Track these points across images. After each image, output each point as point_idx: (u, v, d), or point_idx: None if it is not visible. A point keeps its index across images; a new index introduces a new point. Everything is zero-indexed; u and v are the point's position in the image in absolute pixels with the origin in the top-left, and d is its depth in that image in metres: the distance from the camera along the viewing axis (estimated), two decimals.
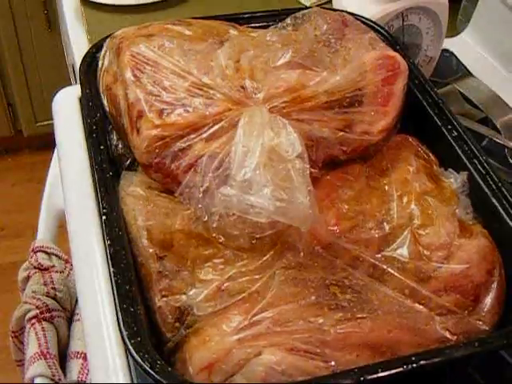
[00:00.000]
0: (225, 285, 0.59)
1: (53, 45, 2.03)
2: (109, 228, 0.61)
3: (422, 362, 0.55)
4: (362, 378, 0.53)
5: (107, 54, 0.73)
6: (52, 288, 0.87)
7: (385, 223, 0.65)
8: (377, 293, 0.61)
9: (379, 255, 0.63)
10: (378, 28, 0.83)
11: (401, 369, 0.54)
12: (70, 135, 0.75)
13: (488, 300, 0.62)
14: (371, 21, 0.83)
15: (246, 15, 0.84)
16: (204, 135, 0.63)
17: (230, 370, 0.55)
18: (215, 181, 0.60)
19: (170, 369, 0.53)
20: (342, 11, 0.81)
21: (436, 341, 0.59)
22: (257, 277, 0.60)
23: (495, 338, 0.59)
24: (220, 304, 0.58)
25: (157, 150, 0.63)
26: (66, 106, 0.79)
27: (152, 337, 0.57)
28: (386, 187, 0.68)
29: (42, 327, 0.83)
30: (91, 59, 0.77)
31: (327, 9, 0.80)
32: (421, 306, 0.61)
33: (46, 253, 0.91)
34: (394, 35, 0.85)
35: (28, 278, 0.89)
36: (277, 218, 0.58)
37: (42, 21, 2.07)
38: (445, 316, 0.61)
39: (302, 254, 0.61)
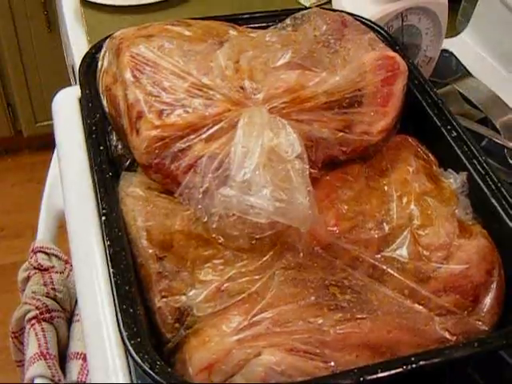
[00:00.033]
0: (224, 285, 0.59)
1: (53, 45, 2.03)
2: (108, 228, 0.61)
3: (421, 363, 0.55)
4: (361, 379, 0.53)
5: (107, 54, 0.73)
6: (52, 288, 0.87)
7: (384, 224, 0.65)
8: (376, 293, 0.61)
9: (379, 256, 0.63)
10: (378, 28, 0.83)
11: (400, 369, 0.54)
12: (70, 136, 0.75)
13: (487, 300, 0.62)
14: (371, 21, 0.83)
15: (246, 16, 0.84)
16: (204, 136, 0.63)
17: (230, 370, 0.55)
18: (215, 181, 0.60)
19: (169, 369, 0.53)
20: (342, 12, 0.81)
21: (435, 341, 0.59)
22: (256, 277, 0.60)
23: (495, 339, 0.59)
24: (220, 304, 0.58)
25: (156, 151, 0.63)
26: (66, 107, 0.79)
27: (152, 337, 0.57)
28: (386, 187, 0.68)
29: (42, 328, 0.83)
30: (91, 60, 0.77)
31: (327, 9, 0.81)
32: (420, 307, 0.61)
33: (46, 253, 0.92)
34: (394, 35, 0.85)
35: (28, 278, 0.89)
36: (276, 218, 0.58)
37: (42, 21, 2.07)
38: (444, 316, 0.61)
39: (301, 254, 0.61)
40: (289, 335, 0.56)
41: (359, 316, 0.59)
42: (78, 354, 0.83)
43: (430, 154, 0.73)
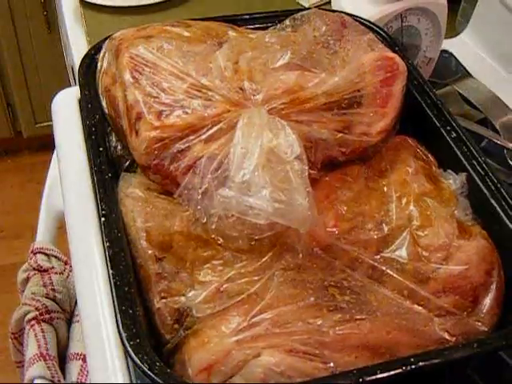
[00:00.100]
0: (224, 286, 0.59)
1: (52, 46, 2.03)
2: (108, 229, 0.61)
3: (420, 364, 0.55)
4: (360, 380, 0.53)
5: (106, 55, 0.73)
6: (51, 289, 0.87)
7: (384, 224, 0.65)
8: (376, 294, 0.61)
9: (378, 256, 0.63)
10: (377, 29, 0.83)
11: (400, 370, 0.54)
12: (70, 136, 0.75)
13: (487, 301, 0.62)
14: (370, 22, 0.83)
15: (245, 16, 0.84)
16: (203, 137, 0.63)
17: (229, 371, 0.55)
18: (214, 182, 0.60)
19: (168, 370, 0.53)
20: (341, 12, 0.81)
21: (435, 342, 0.59)
22: (256, 278, 0.60)
23: (494, 339, 0.59)
24: (219, 305, 0.58)
25: (156, 152, 0.63)
26: (66, 108, 0.79)
27: (151, 338, 0.57)
28: (385, 188, 0.68)
29: (42, 329, 0.83)
30: (90, 61, 0.77)
31: (326, 10, 0.80)
32: (420, 307, 0.61)
33: (46, 254, 0.92)
34: (393, 36, 0.85)
35: (27, 279, 0.89)
36: (275, 219, 0.58)
37: (42, 22, 2.07)
38: (444, 317, 0.61)
39: (300, 255, 0.61)
40: (288, 336, 0.56)
41: (358, 317, 0.59)
42: (77, 354, 0.83)
43: (429, 155, 0.73)
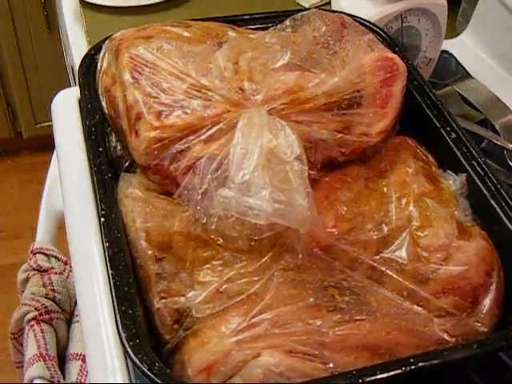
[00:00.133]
0: (223, 287, 0.59)
1: (52, 46, 2.03)
2: (107, 230, 0.61)
3: (420, 364, 0.55)
4: (360, 380, 0.53)
5: (106, 55, 0.73)
6: (51, 290, 0.87)
7: (383, 225, 0.65)
8: (375, 295, 0.61)
9: (378, 257, 0.63)
10: (377, 29, 0.83)
11: (399, 371, 0.54)
12: (69, 137, 0.75)
13: (487, 302, 0.62)
14: (370, 22, 0.83)
15: (245, 17, 0.84)
16: (202, 137, 0.63)
17: (229, 371, 0.55)
18: (214, 183, 0.60)
19: (168, 370, 0.53)
20: (341, 13, 0.81)
21: (434, 343, 0.59)
22: (255, 278, 0.60)
23: (494, 340, 0.59)
24: (218, 306, 0.58)
25: (155, 152, 0.63)
26: (66, 108, 0.79)
27: (151, 339, 0.57)
28: (385, 189, 0.68)
29: (41, 329, 0.83)
30: (90, 61, 0.77)
31: (326, 10, 0.80)
32: (419, 308, 0.61)
33: (45, 254, 0.91)
34: (393, 37, 0.85)
35: (27, 279, 0.89)
36: (275, 219, 0.58)
37: (42, 22, 2.07)
38: (443, 318, 0.60)
39: (300, 255, 0.61)
40: (288, 336, 0.56)
41: (358, 317, 0.59)
42: (77, 354, 0.83)
43: (429, 156, 0.73)
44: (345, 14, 0.81)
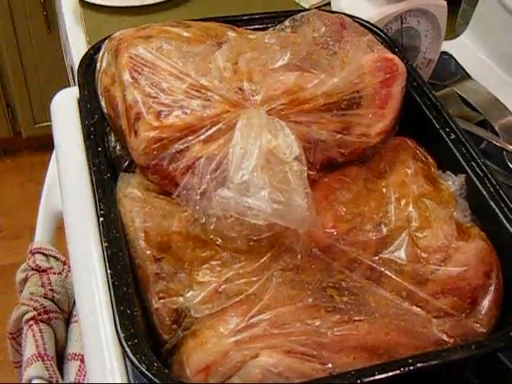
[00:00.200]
0: (222, 287, 0.59)
1: (52, 46, 2.03)
2: (106, 230, 0.61)
3: (419, 365, 0.55)
4: (359, 381, 0.53)
5: (105, 55, 0.73)
6: (50, 289, 0.87)
7: (382, 225, 0.65)
8: (374, 295, 0.61)
9: (376, 257, 0.63)
10: (377, 30, 0.83)
11: (398, 371, 0.54)
12: (69, 137, 0.75)
13: (485, 302, 0.62)
14: (370, 23, 0.83)
15: (245, 17, 0.84)
16: (202, 137, 0.63)
17: (227, 372, 0.55)
18: (213, 183, 0.60)
19: (166, 371, 0.53)
20: (341, 13, 0.81)
21: (433, 343, 0.59)
22: (254, 279, 0.60)
23: (492, 341, 0.59)
24: (217, 306, 0.58)
25: (154, 152, 0.63)
26: (65, 108, 0.79)
27: (149, 339, 0.57)
28: (384, 189, 0.68)
29: (40, 329, 0.83)
30: (89, 61, 0.77)
31: (326, 11, 0.80)
32: (418, 309, 0.61)
33: (44, 254, 0.91)
34: (393, 37, 0.85)
35: (26, 279, 0.89)
36: (274, 220, 0.58)
37: (41, 22, 2.07)
38: (442, 318, 0.60)
39: (299, 256, 0.61)
40: (286, 337, 0.56)
41: (357, 318, 0.59)
42: (75, 355, 0.83)
43: (428, 156, 0.73)
44: (344, 14, 0.81)
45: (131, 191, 0.65)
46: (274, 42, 0.73)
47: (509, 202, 0.66)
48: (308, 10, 0.80)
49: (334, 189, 0.67)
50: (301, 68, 0.69)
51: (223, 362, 0.55)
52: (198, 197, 0.61)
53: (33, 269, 0.89)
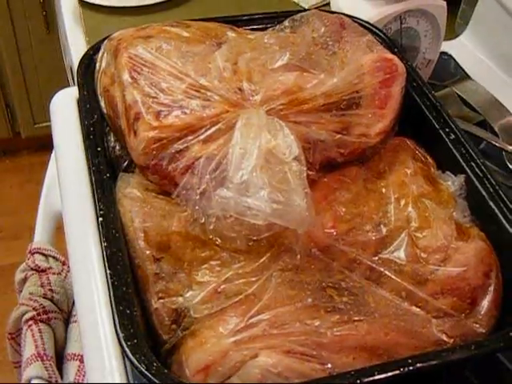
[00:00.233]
0: (221, 287, 0.59)
1: (51, 46, 2.03)
2: (105, 230, 0.61)
3: (418, 365, 0.55)
4: (358, 381, 0.53)
5: (105, 55, 0.73)
6: (49, 290, 0.87)
7: (382, 226, 0.65)
8: (373, 295, 0.61)
9: (376, 258, 0.63)
10: (376, 30, 0.83)
11: (397, 371, 0.54)
12: (68, 137, 0.75)
13: (485, 303, 0.62)
14: (369, 23, 0.83)
15: (245, 17, 0.84)
16: (201, 137, 0.63)
17: (227, 372, 0.55)
18: (212, 183, 0.60)
19: (166, 371, 0.53)
20: (340, 14, 0.81)
21: (433, 343, 0.59)
22: (253, 279, 0.60)
23: (492, 341, 0.59)
24: (217, 306, 0.58)
25: (154, 152, 0.63)
26: (64, 108, 0.79)
27: (148, 339, 0.57)
28: (384, 190, 0.68)
29: (39, 329, 0.83)
30: (89, 61, 0.76)
31: (325, 11, 0.80)
32: (418, 309, 0.61)
33: (44, 254, 0.91)
34: (392, 38, 0.85)
35: (25, 279, 0.89)
36: (274, 220, 0.58)
37: (41, 22, 2.07)
38: (442, 319, 0.60)
39: (298, 256, 0.61)
40: (285, 337, 0.56)
41: (356, 318, 0.59)
42: (75, 355, 0.83)
43: (427, 157, 0.73)
44: (344, 14, 0.81)
45: (131, 191, 0.65)
46: (273, 42, 0.73)
47: (508, 203, 0.66)
48: (307, 10, 0.80)
49: (334, 189, 0.67)
50: (300, 68, 0.69)
51: (222, 362, 0.55)
52: (198, 197, 0.61)
53: (32, 269, 0.89)
